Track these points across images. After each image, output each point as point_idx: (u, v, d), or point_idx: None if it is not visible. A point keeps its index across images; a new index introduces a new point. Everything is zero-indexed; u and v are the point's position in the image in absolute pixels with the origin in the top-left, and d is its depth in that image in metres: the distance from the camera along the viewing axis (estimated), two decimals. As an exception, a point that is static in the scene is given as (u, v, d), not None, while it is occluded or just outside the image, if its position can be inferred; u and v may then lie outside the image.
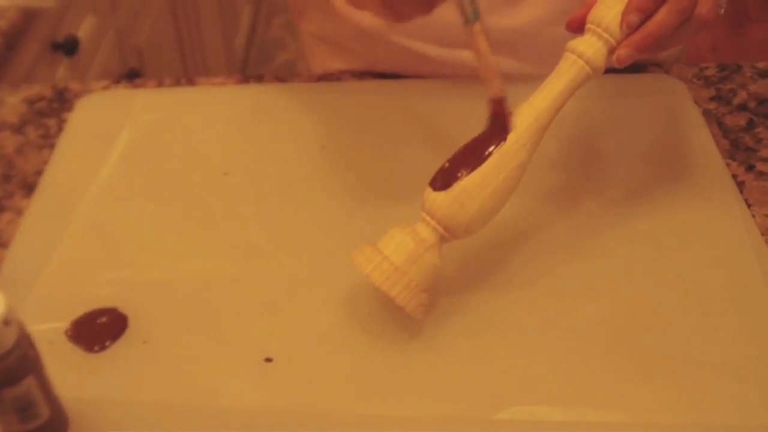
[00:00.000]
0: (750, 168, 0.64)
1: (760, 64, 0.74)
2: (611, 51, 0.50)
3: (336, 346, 0.51)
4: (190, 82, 0.77)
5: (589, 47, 0.50)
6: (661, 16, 0.49)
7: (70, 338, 0.53)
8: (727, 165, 0.64)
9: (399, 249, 0.48)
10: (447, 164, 0.50)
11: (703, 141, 0.65)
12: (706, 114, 0.69)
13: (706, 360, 0.50)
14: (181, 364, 0.51)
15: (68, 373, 0.51)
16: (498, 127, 0.50)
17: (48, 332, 0.53)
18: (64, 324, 0.53)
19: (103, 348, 0.52)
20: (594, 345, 0.51)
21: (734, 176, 0.63)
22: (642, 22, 0.49)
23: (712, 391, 0.48)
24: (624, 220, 0.59)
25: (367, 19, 0.72)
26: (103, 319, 0.53)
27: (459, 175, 0.48)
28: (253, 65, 2.10)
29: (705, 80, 0.73)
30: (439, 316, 0.52)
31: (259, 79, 0.76)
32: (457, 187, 0.48)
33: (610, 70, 0.74)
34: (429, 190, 0.50)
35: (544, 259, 0.56)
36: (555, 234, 0.58)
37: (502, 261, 0.56)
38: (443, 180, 0.49)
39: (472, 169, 0.48)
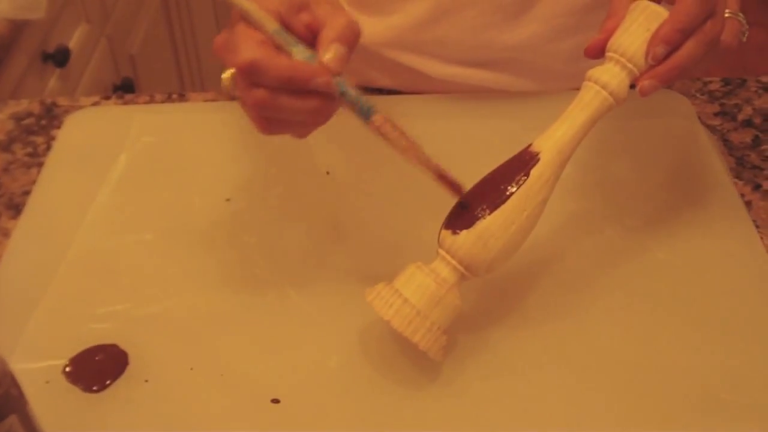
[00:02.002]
0: (756, 188, 0.62)
1: (765, 78, 0.72)
2: (634, 81, 0.47)
3: (346, 386, 0.49)
4: (182, 97, 0.74)
5: (613, 78, 0.47)
6: (689, 48, 0.46)
7: (67, 377, 0.50)
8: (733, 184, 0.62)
9: (420, 291, 0.45)
10: (465, 200, 0.47)
11: (711, 162, 0.63)
12: (711, 131, 0.67)
13: (731, 400, 0.47)
14: (185, 404, 0.48)
15: (66, 414, 0.48)
16: (520, 162, 0.47)
17: (44, 371, 0.50)
18: (62, 362, 0.50)
19: (103, 387, 0.49)
20: (615, 384, 0.48)
21: (740, 196, 0.61)
22: (668, 54, 0.46)
23: (739, 430, 0.46)
24: (642, 249, 0.56)
25: (362, 35, 0.70)
26: (103, 357, 0.50)
27: (480, 212, 0.45)
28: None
29: (709, 95, 0.70)
30: (456, 356, 0.50)
31: (253, 94, 0.73)
32: (480, 226, 0.45)
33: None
34: (447, 230, 0.46)
35: (562, 292, 0.54)
36: (573, 266, 0.55)
37: (520, 295, 0.53)
38: (463, 217, 0.46)
39: (495, 207, 0.45)
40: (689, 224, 0.58)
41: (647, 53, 0.46)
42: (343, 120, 0.70)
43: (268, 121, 0.47)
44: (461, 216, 0.46)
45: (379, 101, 0.74)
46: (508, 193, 0.46)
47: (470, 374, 0.49)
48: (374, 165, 0.64)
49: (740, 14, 0.49)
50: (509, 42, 0.67)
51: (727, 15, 0.48)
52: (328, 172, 0.64)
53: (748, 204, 0.60)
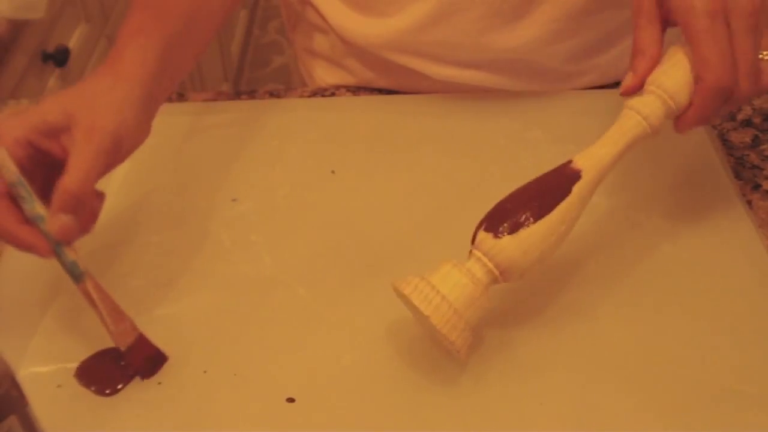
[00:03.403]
0: (756, 187, 0.62)
1: (764, 79, 0.71)
2: (669, 115, 0.49)
3: (360, 384, 0.48)
4: (181, 97, 0.73)
5: (653, 112, 0.48)
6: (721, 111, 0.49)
7: (80, 381, 0.48)
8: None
9: (457, 290, 0.45)
10: (507, 206, 0.47)
11: (710, 160, 0.63)
12: (711, 130, 0.66)
13: (743, 390, 0.47)
14: (199, 406, 0.47)
15: (79, 418, 0.47)
16: (562, 176, 0.47)
17: (56, 374, 0.49)
18: (73, 365, 0.49)
19: (115, 391, 0.48)
20: (630, 379, 0.48)
21: (740, 194, 0.61)
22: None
23: (752, 422, 0.46)
24: (649, 245, 0.56)
25: (360, 36, 0.69)
26: (114, 360, 0.49)
27: (524, 220, 0.46)
28: (249, 70, 2.05)
29: (708, 95, 0.70)
30: (471, 356, 0.49)
31: (252, 94, 0.73)
32: (524, 233, 0.45)
33: (610, 85, 0.72)
34: (488, 232, 0.46)
35: (573, 290, 0.53)
36: (582, 262, 0.55)
37: (534, 295, 0.53)
38: (506, 222, 0.46)
39: (540, 217, 0.46)
40: (692, 222, 0.58)
41: (676, 129, 0.49)
42: (345, 119, 0.70)
43: None
44: (503, 220, 0.46)
45: (378, 101, 0.74)
46: (551, 205, 0.46)
47: (486, 373, 0.48)
48: (379, 164, 0.64)
49: None
50: (508, 45, 0.67)
51: (764, 57, 0.49)
52: (333, 171, 0.63)
53: (748, 204, 0.60)
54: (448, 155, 0.65)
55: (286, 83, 1.99)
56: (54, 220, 0.46)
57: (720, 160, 0.63)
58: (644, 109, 0.48)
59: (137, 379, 0.48)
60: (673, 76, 0.48)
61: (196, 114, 0.70)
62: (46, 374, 0.49)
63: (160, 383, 0.48)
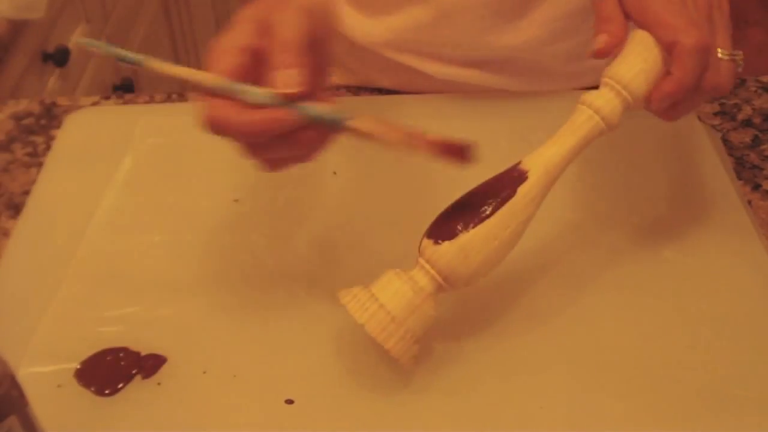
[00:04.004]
0: (756, 187, 0.62)
1: (765, 78, 0.71)
2: (627, 108, 0.47)
3: (359, 386, 0.48)
4: (182, 97, 0.72)
5: (607, 103, 0.46)
6: (690, 101, 0.46)
7: (79, 381, 0.48)
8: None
9: (396, 297, 0.44)
10: (450, 212, 0.46)
11: (711, 161, 0.62)
12: (712, 131, 0.66)
13: (743, 395, 0.47)
14: (198, 407, 0.47)
15: (78, 418, 0.47)
16: (507, 178, 0.46)
17: (56, 374, 0.49)
18: (73, 365, 0.49)
19: (115, 391, 0.48)
20: (632, 381, 0.48)
21: (741, 194, 0.60)
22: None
23: (752, 425, 0.46)
24: (648, 247, 0.56)
25: (361, 35, 0.69)
26: (114, 360, 0.49)
27: (464, 225, 0.44)
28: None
29: (708, 95, 0.70)
30: (465, 360, 0.49)
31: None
32: (463, 238, 0.44)
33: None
34: (429, 239, 0.45)
35: (575, 293, 0.53)
36: (578, 265, 0.55)
37: (534, 297, 0.53)
38: (446, 228, 0.45)
39: (479, 221, 0.44)
40: (692, 224, 0.57)
41: (652, 102, 0.46)
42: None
43: (269, 162, 0.46)
44: (444, 226, 0.45)
45: (379, 101, 0.74)
46: (493, 208, 0.45)
47: (486, 374, 0.48)
48: (381, 164, 0.63)
49: (736, 53, 0.48)
50: (507, 44, 0.67)
51: (720, 56, 0.47)
52: (335, 172, 0.63)
53: (748, 204, 0.60)
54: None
55: (286, 83, 1.97)
56: (281, 77, 0.41)
57: (720, 160, 0.63)
58: (596, 102, 0.46)
59: (137, 379, 0.48)
60: (626, 64, 0.46)
61: (197, 114, 0.70)
62: (46, 374, 0.49)
63: (159, 383, 0.48)
